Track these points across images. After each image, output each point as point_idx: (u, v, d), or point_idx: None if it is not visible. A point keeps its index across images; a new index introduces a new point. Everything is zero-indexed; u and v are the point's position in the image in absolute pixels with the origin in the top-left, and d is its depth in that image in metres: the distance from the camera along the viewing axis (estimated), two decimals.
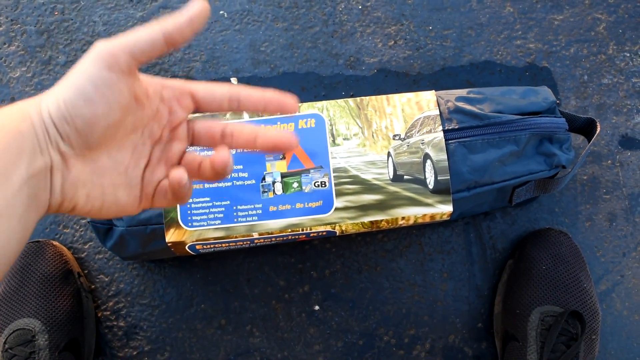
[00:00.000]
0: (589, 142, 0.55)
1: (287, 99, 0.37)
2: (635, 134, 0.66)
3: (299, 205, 0.52)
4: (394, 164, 0.53)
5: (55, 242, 0.62)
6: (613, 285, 0.63)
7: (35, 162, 0.30)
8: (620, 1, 0.69)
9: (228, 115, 0.54)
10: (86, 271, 0.63)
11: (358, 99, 0.55)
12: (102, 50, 0.32)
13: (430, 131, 0.53)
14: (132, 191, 0.35)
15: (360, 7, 0.70)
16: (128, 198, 0.35)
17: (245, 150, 0.38)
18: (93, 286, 0.63)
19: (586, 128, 0.57)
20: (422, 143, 0.53)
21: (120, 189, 0.35)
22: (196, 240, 0.52)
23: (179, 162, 0.37)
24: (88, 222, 0.54)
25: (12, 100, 0.67)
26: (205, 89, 0.37)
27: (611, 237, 0.64)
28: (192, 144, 0.38)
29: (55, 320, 0.56)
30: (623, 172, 0.65)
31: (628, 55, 0.68)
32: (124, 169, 0.35)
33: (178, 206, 0.51)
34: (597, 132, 0.55)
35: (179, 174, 0.34)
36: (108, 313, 0.63)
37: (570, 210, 0.64)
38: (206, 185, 0.52)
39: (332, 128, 0.54)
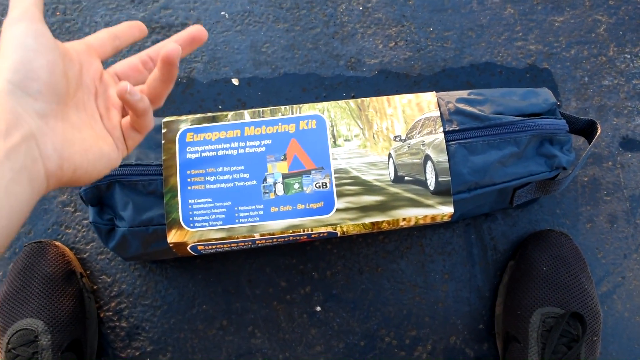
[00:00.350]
0: (589, 144, 0.55)
1: (193, 29, 0.42)
2: (635, 136, 0.66)
3: (300, 206, 0.52)
4: (394, 165, 0.53)
5: (57, 243, 0.62)
6: (614, 286, 0.63)
7: (10, 137, 0.31)
8: (620, 3, 0.70)
9: (230, 116, 0.54)
10: (88, 272, 0.64)
11: (359, 100, 0.55)
12: (19, 12, 0.35)
13: (430, 132, 0.53)
14: (107, 140, 0.39)
15: (361, 8, 0.70)
16: (109, 147, 0.38)
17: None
18: (95, 287, 0.63)
19: (587, 130, 0.57)
20: (422, 144, 0.53)
21: (99, 140, 0.38)
22: (198, 241, 0.52)
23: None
24: (90, 222, 0.54)
25: None
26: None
27: (612, 238, 0.64)
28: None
29: (57, 320, 0.56)
30: (624, 174, 0.65)
31: (628, 57, 0.68)
32: (89, 125, 0.38)
33: (180, 207, 0.52)
34: (598, 133, 0.55)
35: (122, 84, 0.37)
36: (110, 314, 0.63)
37: (571, 212, 0.65)
38: (208, 187, 0.52)
39: (333, 129, 0.54)
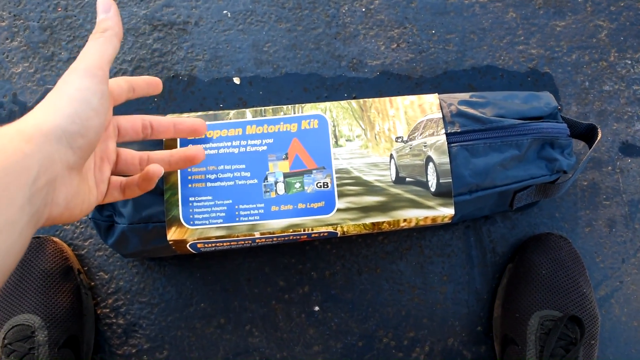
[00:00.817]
0: (589, 148, 0.56)
1: (196, 122, 0.47)
2: (635, 141, 0.66)
3: (301, 206, 0.52)
4: (396, 166, 0.53)
5: (55, 239, 0.61)
6: (612, 291, 0.64)
7: (38, 181, 0.31)
8: (622, 9, 0.70)
9: (231, 115, 0.54)
10: (86, 268, 0.63)
11: (361, 100, 0.55)
12: (90, 66, 0.36)
13: (432, 134, 0.53)
14: (93, 191, 0.40)
15: (363, 9, 0.70)
16: (94, 198, 0.40)
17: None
18: (93, 283, 0.63)
19: (587, 134, 0.58)
20: (424, 146, 0.53)
21: (91, 191, 0.39)
22: (198, 239, 0.52)
23: (116, 160, 0.44)
24: (89, 218, 0.54)
25: (14, 95, 0.67)
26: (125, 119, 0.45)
27: (610, 243, 0.64)
28: (118, 140, 0.44)
29: (54, 316, 0.56)
30: (623, 179, 0.66)
31: (629, 62, 0.68)
32: (89, 176, 0.39)
33: (180, 205, 0.51)
34: (598, 138, 0.55)
35: (157, 167, 0.41)
36: (107, 310, 0.63)
37: (570, 216, 0.65)
38: (208, 185, 0.52)
39: (335, 129, 0.54)
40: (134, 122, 0.44)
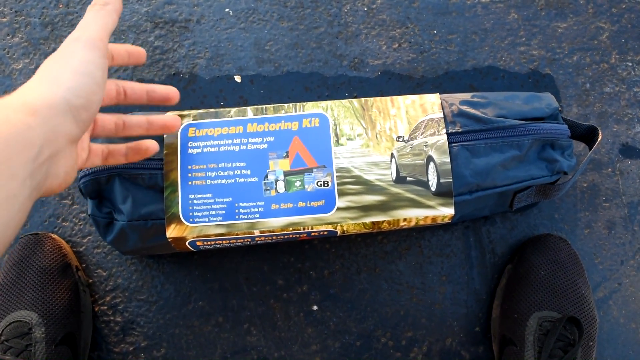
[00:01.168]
0: (590, 150, 0.56)
1: (169, 89, 0.46)
2: (635, 143, 0.67)
3: (301, 204, 0.52)
4: (397, 166, 0.53)
5: (54, 235, 0.61)
6: (610, 292, 0.64)
7: (41, 155, 0.30)
8: (623, 11, 0.70)
9: (232, 112, 0.54)
10: (84, 265, 0.63)
11: (363, 99, 0.55)
12: (92, 38, 0.36)
13: (433, 134, 0.53)
14: (77, 160, 0.39)
15: (365, 9, 0.70)
16: (77, 167, 0.39)
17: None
18: (91, 280, 0.63)
19: (588, 135, 0.58)
20: (425, 145, 0.53)
21: (77, 160, 0.39)
22: (197, 237, 0.52)
23: (94, 124, 0.43)
24: (88, 215, 0.54)
25: None
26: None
27: (609, 244, 0.64)
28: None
29: (52, 313, 0.56)
30: (623, 181, 0.66)
31: (630, 64, 0.68)
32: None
33: (180, 202, 0.51)
34: (599, 140, 0.55)
35: (153, 144, 0.45)
36: (105, 308, 0.62)
37: (570, 217, 0.65)
38: (209, 182, 0.52)
39: (336, 128, 0.54)
40: (108, 87, 0.44)
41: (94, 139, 0.45)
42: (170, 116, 0.47)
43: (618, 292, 0.64)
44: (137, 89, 0.45)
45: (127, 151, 0.45)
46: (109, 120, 0.44)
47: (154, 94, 0.45)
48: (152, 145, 0.46)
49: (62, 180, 0.35)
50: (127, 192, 0.52)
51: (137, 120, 0.45)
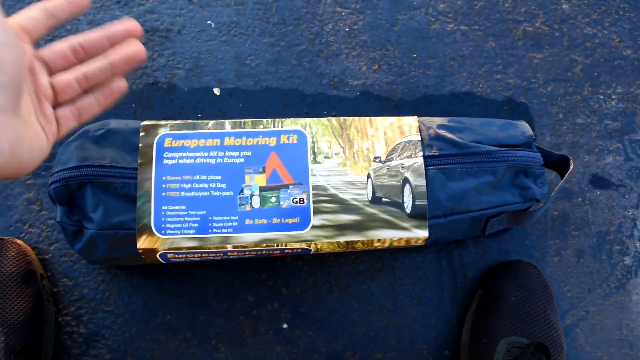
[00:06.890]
0: (561, 179, 0.57)
1: (128, 23, 0.42)
2: (605, 174, 0.68)
3: (275, 221, 0.52)
4: (373, 186, 0.53)
5: (19, 241, 0.60)
6: (577, 320, 0.64)
7: None
8: (596, 45, 0.72)
9: (210, 125, 0.53)
10: (49, 273, 0.61)
11: (342, 118, 0.55)
12: None
13: (410, 156, 0.54)
14: (42, 136, 0.38)
15: (347, 29, 0.70)
16: (44, 143, 0.38)
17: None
18: (55, 289, 0.61)
19: (560, 164, 0.59)
20: (402, 167, 0.53)
21: (39, 136, 0.37)
22: (168, 249, 0.51)
23: (55, 92, 0.40)
24: (57, 222, 0.52)
25: None
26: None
27: (578, 272, 0.65)
28: (50, 73, 0.41)
29: (12, 322, 0.54)
30: (592, 210, 0.67)
31: (602, 97, 0.70)
32: (32, 121, 0.37)
33: (152, 213, 0.50)
34: (570, 169, 0.56)
35: (122, 83, 0.42)
36: (69, 318, 0.61)
37: (540, 244, 0.66)
38: (183, 194, 0.51)
39: (314, 145, 0.54)
40: (61, 49, 0.40)
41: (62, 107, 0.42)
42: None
43: (585, 320, 0.65)
44: (94, 39, 0.41)
45: (98, 98, 0.42)
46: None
47: (114, 36, 0.41)
48: (121, 82, 0.42)
49: (10, 156, 0.33)
50: (99, 200, 0.51)
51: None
